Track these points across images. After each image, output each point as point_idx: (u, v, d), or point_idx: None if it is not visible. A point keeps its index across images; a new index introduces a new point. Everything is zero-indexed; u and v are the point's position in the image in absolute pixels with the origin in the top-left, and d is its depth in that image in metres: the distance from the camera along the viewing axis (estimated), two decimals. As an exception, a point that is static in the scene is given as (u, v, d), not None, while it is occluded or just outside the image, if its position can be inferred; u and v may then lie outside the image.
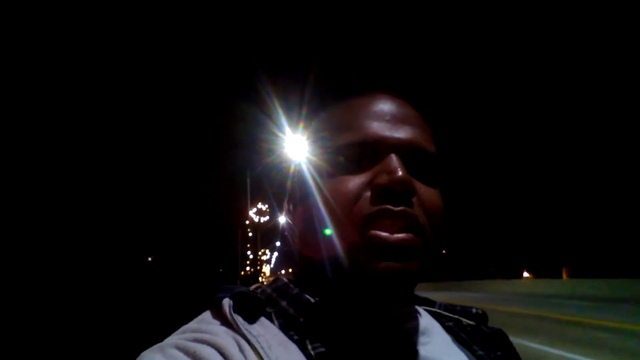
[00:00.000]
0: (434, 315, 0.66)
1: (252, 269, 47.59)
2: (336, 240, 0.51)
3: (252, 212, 35.94)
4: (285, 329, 0.50)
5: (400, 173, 0.49)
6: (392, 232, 0.49)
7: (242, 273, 42.77)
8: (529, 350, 6.06)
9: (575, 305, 12.34)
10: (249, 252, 46.91)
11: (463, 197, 43.63)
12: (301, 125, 0.66)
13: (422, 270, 0.51)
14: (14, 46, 23.77)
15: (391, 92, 0.59)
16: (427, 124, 0.58)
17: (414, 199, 0.51)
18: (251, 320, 0.49)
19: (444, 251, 47.49)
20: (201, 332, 0.47)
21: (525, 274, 39.93)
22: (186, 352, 0.44)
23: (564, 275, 33.88)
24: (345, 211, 0.51)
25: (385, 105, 0.56)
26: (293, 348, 0.47)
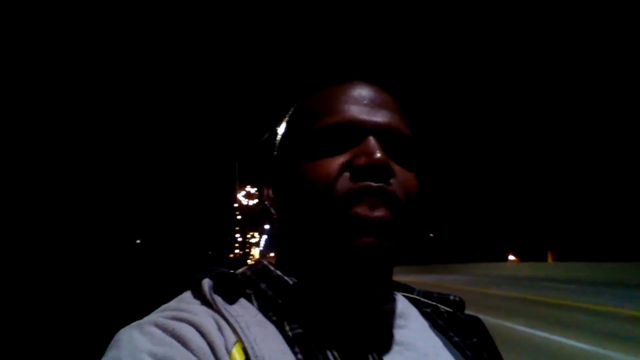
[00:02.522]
0: (412, 301, 0.67)
1: (240, 252, 47.70)
2: (316, 221, 0.52)
3: (241, 195, 35.90)
4: (264, 310, 0.51)
5: (378, 154, 0.50)
6: (371, 210, 0.49)
7: (231, 255, 42.87)
8: (513, 332, 6.15)
9: (560, 289, 12.53)
10: (237, 235, 46.97)
11: (450, 182, 43.95)
12: (286, 113, 0.67)
13: (399, 249, 0.52)
14: (14, 46, 23.35)
15: (369, 81, 0.61)
16: (402, 110, 0.60)
17: (392, 180, 0.52)
18: (231, 300, 0.50)
19: (431, 234, 47.97)
20: (180, 310, 0.48)
21: (511, 257, 40.44)
22: (165, 329, 0.44)
23: (549, 259, 34.39)
24: (325, 191, 0.51)
25: (363, 91, 0.58)
26: (271, 329, 0.48)
